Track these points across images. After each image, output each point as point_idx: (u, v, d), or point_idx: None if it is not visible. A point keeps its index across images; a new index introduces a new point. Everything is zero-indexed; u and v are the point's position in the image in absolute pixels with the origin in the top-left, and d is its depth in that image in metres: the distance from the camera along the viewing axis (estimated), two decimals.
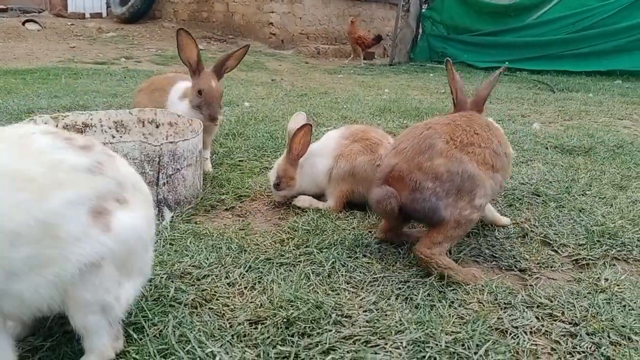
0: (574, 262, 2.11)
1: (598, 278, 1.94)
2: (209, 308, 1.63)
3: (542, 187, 2.90)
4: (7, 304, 1.18)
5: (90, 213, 1.24)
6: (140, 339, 1.44)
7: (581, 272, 2.01)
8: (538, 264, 2.07)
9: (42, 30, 12.84)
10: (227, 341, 1.45)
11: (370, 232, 2.27)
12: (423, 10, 12.40)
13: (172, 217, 2.34)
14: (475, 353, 1.47)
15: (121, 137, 2.96)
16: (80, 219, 1.22)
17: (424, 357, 1.44)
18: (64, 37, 12.66)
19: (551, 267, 2.05)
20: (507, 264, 2.06)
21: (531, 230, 2.35)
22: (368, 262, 1.99)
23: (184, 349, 1.39)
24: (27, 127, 1.29)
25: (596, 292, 1.84)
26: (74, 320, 1.28)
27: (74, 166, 1.25)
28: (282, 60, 11.48)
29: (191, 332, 1.46)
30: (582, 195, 2.82)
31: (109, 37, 12.92)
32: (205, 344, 1.41)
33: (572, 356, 1.51)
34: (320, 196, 2.64)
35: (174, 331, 1.46)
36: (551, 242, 2.25)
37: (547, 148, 3.94)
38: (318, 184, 2.61)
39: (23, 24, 12.71)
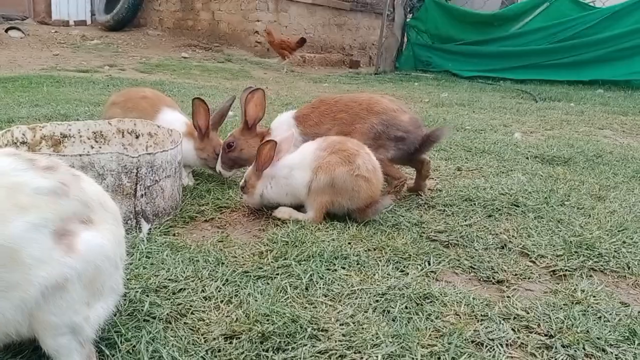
0: (552, 273, 2.12)
1: (574, 289, 1.95)
2: (184, 323, 1.61)
3: (522, 197, 2.92)
4: None
5: (53, 235, 1.22)
6: (113, 355, 1.41)
7: (558, 284, 2.03)
8: (516, 275, 2.08)
9: (25, 37, 12.73)
10: (201, 356, 1.43)
11: (349, 243, 2.27)
12: (408, 20, 12.51)
13: (150, 229, 2.32)
14: None
15: (100, 147, 2.93)
16: (43, 242, 1.20)
17: None
18: (48, 45, 12.54)
19: (529, 278, 2.07)
20: (485, 275, 2.07)
21: (510, 241, 2.36)
22: (346, 275, 1.99)
23: None
24: None
25: (572, 303, 1.85)
26: (44, 344, 1.26)
27: (36, 189, 1.22)
28: (268, 68, 11.49)
29: (164, 347, 1.44)
30: (561, 205, 2.84)
31: (93, 44, 12.83)
32: None
33: None
34: (297, 207, 2.63)
35: (147, 347, 1.44)
36: (529, 253, 2.27)
37: (527, 158, 3.98)
38: (296, 196, 2.61)
39: (6, 31, 12.58)
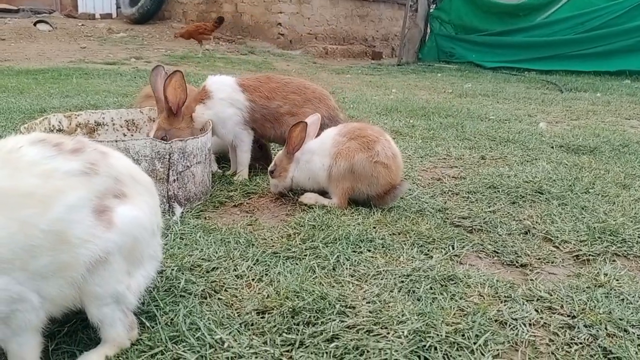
0: (575, 257, 2.15)
1: (597, 273, 1.98)
2: (218, 298, 1.69)
3: (546, 185, 2.94)
4: (47, 304, 1.26)
5: (93, 213, 1.30)
6: (153, 327, 1.50)
7: (581, 268, 2.05)
8: (539, 259, 2.12)
9: (53, 30, 13.00)
10: (235, 329, 1.51)
11: (374, 227, 2.32)
12: (431, 10, 12.44)
13: (182, 212, 2.41)
14: (475, 343, 1.52)
15: (132, 135, 3.04)
16: (84, 221, 1.27)
17: (425, 346, 1.49)
18: (75, 38, 12.80)
19: (552, 262, 2.10)
20: (508, 259, 2.11)
21: (533, 227, 2.39)
22: (372, 257, 2.05)
23: (194, 335, 1.45)
24: (14, 141, 1.30)
25: (595, 286, 1.88)
26: (89, 314, 1.35)
27: (68, 171, 1.28)
28: (290, 60, 11.55)
29: (201, 320, 1.52)
30: (585, 193, 2.85)
31: (119, 37, 13.05)
32: (215, 331, 1.47)
33: (570, 347, 1.55)
34: (320, 193, 2.70)
35: (185, 319, 1.52)
36: (553, 239, 2.29)
37: (552, 147, 3.97)
38: (317, 181, 2.67)
39: (34, 24, 12.87)
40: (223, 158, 3.37)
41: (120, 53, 10.51)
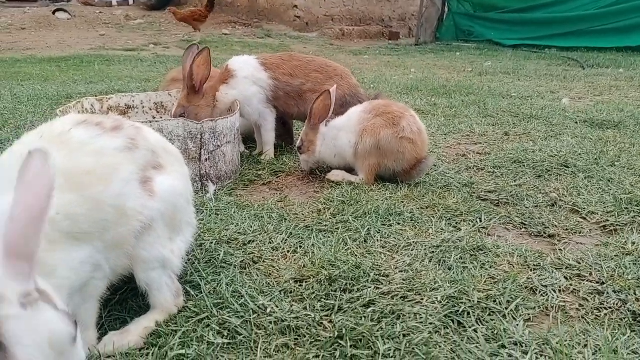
0: (602, 228, 2.18)
1: (625, 242, 2.01)
2: (257, 269, 1.76)
3: (571, 159, 2.95)
4: (110, 273, 1.34)
5: (139, 185, 1.37)
6: (197, 295, 1.58)
7: (609, 237, 2.08)
8: (566, 230, 2.15)
9: (72, 19, 13.13)
10: (276, 296, 1.58)
11: (402, 202, 2.37)
12: None
13: (215, 190, 2.48)
14: (506, 308, 1.57)
15: (161, 117, 3.11)
16: (135, 193, 1.35)
17: (458, 311, 1.54)
18: (93, 25, 12.93)
19: (579, 232, 2.13)
20: (536, 230, 2.15)
21: (560, 200, 2.42)
22: (401, 229, 2.10)
23: (238, 302, 1.52)
24: (59, 124, 1.36)
25: (623, 254, 1.91)
26: (139, 279, 1.43)
27: (116, 148, 1.36)
28: (307, 43, 11.53)
29: (243, 288, 1.60)
30: (611, 166, 2.86)
31: (137, 24, 13.14)
32: (257, 298, 1.55)
33: (600, 312, 1.59)
34: (347, 169, 2.74)
35: (227, 288, 1.60)
36: (580, 210, 2.32)
37: (576, 122, 3.96)
38: (343, 158, 2.71)
39: (53, 13, 13.01)
40: (249, 139, 3.43)
41: (139, 39, 10.60)
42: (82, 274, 1.22)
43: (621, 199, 2.38)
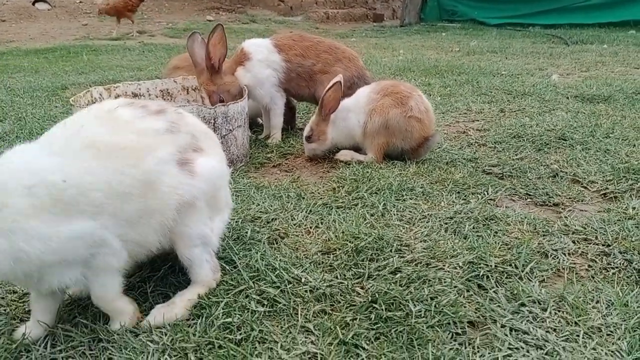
0: (603, 195, 2.30)
1: (626, 208, 2.13)
2: (284, 244, 1.85)
3: (568, 132, 3.07)
4: (130, 248, 1.40)
5: (178, 165, 1.45)
6: (232, 270, 1.66)
7: (610, 204, 2.21)
8: (570, 198, 2.27)
9: (52, 9, 12.93)
10: (307, 267, 1.67)
11: (412, 178, 2.47)
12: None
13: (231, 173, 2.55)
14: (522, 271, 1.68)
15: (188, 103, 3.15)
16: (171, 172, 1.43)
17: (478, 275, 1.65)
18: (75, 16, 12.76)
19: (582, 200, 2.25)
20: (541, 200, 2.26)
21: (561, 171, 2.54)
22: (415, 204, 2.20)
23: (273, 274, 1.61)
24: (108, 103, 1.47)
25: (625, 219, 2.04)
26: (181, 254, 1.51)
27: (157, 130, 1.44)
28: (293, 26, 11.53)
29: (275, 261, 1.68)
30: (606, 138, 2.99)
31: None
32: (290, 270, 1.64)
33: (608, 271, 1.71)
34: (355, 149, 2.83)
35: (261, 262, 1.68)
36: (580, 180, 2.44)
37: (567, 98, 4.09)
38: (352, 137, 2.79)
39: (33, 4, 12.79)
40: (252, 124, 3.49)
41: (122, 28, 10.49)
42: (71, 249, 1.26)
43: (619, 168, 2.50)
